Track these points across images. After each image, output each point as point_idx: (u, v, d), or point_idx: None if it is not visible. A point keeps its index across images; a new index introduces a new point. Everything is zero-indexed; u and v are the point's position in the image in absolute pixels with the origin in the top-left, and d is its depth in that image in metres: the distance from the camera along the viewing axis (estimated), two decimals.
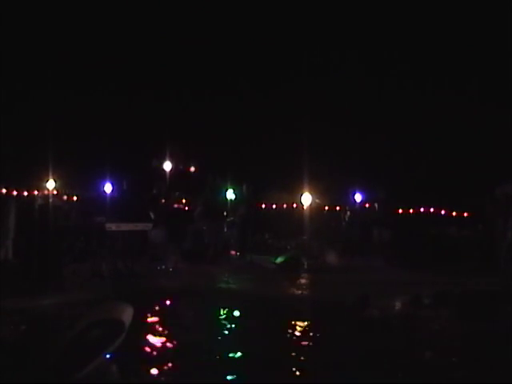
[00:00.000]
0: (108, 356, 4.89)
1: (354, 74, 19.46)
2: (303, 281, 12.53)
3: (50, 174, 14.26)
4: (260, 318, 9.00)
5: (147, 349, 7.21)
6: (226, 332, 8.42)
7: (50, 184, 14.23)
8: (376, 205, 15.55)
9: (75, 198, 15.50)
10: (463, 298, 10.06)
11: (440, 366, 6.71)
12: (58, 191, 14.65)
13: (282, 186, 16.80)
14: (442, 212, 16.05)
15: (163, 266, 12.95)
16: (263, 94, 20.10)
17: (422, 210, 16.13)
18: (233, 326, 8.82)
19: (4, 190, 13.91)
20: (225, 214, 14.97)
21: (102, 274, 11.70)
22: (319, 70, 19.90)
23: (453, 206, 15.83)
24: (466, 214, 15.72)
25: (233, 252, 14.94)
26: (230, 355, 7.11)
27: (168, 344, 7.55)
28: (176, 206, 16.11)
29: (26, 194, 14.32)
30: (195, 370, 6.51)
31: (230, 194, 15.03)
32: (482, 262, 13.66)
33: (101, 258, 12.16)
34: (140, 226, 13.08)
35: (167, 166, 17.00)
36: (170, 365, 6.71)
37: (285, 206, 16.66)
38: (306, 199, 14.71)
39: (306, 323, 8.60)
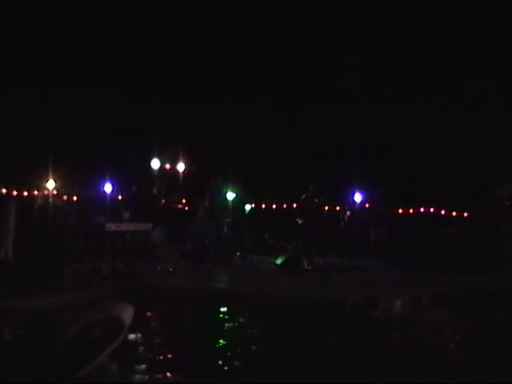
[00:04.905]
0: (108, 356, 4.89)
1: (352, 76, 19.49)
2: (303, 281, 12.52)
3: (50, 174, 14.24)
4: (260, 317, 9.01)
5: (147, 349, 7.21)
6: (227, 332, 8.43)
7: (50, 184, 14.20)
8: (374, 205, 15.57)
9: (75, 198, 15.49)
10: (463, 298, 10.08)
11: (440, 366, 6.71)
12: (57, 191, 14.63)
13: (281, 186, 16.78)
14: (442, 212, 16.06)
15: (163, 266, 12.96)
16: (263, 95, 20.11)
17: (421, 209, 16.14)
18: (233, 325, 8.82)
19: (4, 190, 13.90)
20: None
21: (102, 274, 11.71)
22: (317, 71, 19.92)
23: (453, 206, 15.83)
24: (466, 214, 15.73)
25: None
26: (231, 355, 7.11)
27: (168, 344, 7.56)
28: (176, 205, 16.11)
29: (26, 194, 14.31)
30: (195, 369, 6.51)
31: (231, 195, 15.02)
32: (481, 262, 13.67)
33: (101, 258, 12.17)
34: (140, 226, 13.10)
35: (168, 166, 16.97)
36: (169, 365, 6.71)
37: (285, 206, 16.65)
38: (306, 199, 14.69)
39: (306, 323, 8.60)
